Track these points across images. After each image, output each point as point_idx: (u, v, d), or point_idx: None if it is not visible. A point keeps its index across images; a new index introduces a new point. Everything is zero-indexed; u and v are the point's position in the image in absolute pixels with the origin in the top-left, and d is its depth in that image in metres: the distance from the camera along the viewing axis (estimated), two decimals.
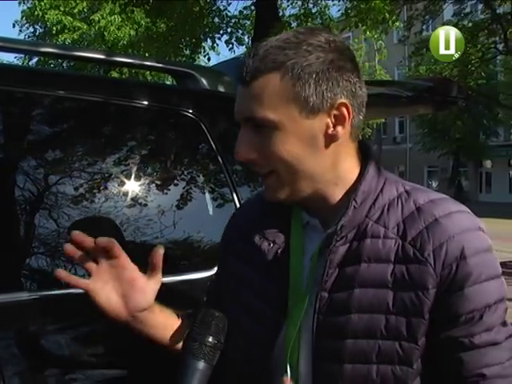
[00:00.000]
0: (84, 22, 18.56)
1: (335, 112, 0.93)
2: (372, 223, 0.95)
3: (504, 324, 0.94)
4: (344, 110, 0.93)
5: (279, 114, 0.91)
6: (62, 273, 1.04)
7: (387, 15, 8.87)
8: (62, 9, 17.80)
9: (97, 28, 17.55)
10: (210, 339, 0.98)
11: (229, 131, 1.94)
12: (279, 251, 1.02)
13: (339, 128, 0.94)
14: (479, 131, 27.71)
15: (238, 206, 1.74)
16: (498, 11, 13.38)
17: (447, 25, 14.55)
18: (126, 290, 1.05)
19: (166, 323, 1.11)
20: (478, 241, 0.94)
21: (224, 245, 1.19)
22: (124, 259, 1.05)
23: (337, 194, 0.99)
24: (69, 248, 1.02)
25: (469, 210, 0.99)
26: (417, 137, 29.00)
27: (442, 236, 0.91)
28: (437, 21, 15.81)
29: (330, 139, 0.94)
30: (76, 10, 17.72)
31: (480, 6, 14.70)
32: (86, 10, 17.82)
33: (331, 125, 0.93)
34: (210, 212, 1.80)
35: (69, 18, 17.99)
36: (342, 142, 0.96)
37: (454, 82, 3.10)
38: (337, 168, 0.98)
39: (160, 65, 2.11)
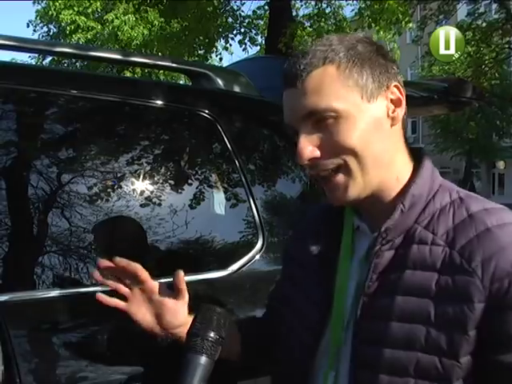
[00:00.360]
0: (98, 22, 18.65)
1: (391, 96, 0.95)
2: (421, 229, 0.93)
3: None
4: (397, 91, 0.95)
5: (343, 102, 0.91)
6: (101, 297, 1.11)
7: (400, 16, 8.86)
8: (75, 9, 17.90)
9: (110, 28, 17.63)
10: (212, 334, 0.99)
11: (244, 131, 1.95)
12: (330, 255, 1.03)
13: (398, 110, 0.95)
14: (492, 132, 27.51)
15: (252, 206, 1.75)
16: None
17: (461, 25, 14.51)
18: (157, 311, 1.13)
19: None
20: None
21: (284, 251, 1.25)
22: (152, 284, 1.13)
23: (394, 192, 0.97)
24: (96, 276, 1.11)
25: None
26: (429, 137, 28.86)
27: (493, 247, 0.86)
28: (450, 21, 15.71)
29: (393, 122, 0.95)
30: (90, 10, 17.81)
31: (494, 6, 14.62)
32: (99, 9, 17.91)
33: (391, 107, 0.95)
34: (224, 212, 1.81)
35: (83, 17, 18.08)
36: (399, 127, 0.97)
37: (469, 83, 3.08)
38: (398, 157, 0.98)
39: (175, 64, 2.11)
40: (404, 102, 0.96)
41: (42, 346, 1.34)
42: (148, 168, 1.64)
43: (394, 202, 0.96)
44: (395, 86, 0.95)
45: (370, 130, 0.93)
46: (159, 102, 1.74)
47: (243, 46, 11.04)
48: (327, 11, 10.22)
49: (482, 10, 14.57)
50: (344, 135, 0.91)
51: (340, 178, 0.94)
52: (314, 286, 1.04)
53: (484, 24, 14.24)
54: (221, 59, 11.78)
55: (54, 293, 1.39)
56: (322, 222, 1.09)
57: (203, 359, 0.98)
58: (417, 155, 1.01)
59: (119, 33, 16.88)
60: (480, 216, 0.91)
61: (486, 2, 15.05)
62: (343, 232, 1.04)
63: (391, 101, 0.95)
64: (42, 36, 20.04)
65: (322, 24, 9.75)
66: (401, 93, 0.96)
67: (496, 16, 14.51)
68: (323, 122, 0.92)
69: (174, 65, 2.10)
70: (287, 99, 0.96)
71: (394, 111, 0.95)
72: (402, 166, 0.98)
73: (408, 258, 0.92)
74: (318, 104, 0.91)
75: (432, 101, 2.56)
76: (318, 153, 0.93)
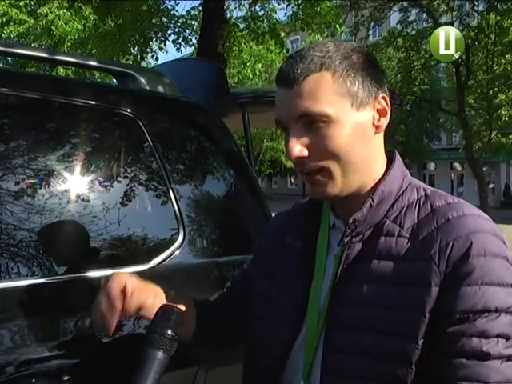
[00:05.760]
0: (31, 16, 18.06)
1: (378, 106, 1.01)
2: (389, 222, 1.00)
3: (508, 338, 0.88)
4: (384, 102, 1.02)
5: (335, 108, 0.97)
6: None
7: (333, 19, 9.07)
8: (7, 1, 17.27)
9: (44, 22, 17.10)
10: (169, 331, 1.07)
11: (167, 131, 2.00)
12: (308, 253, 1.09)
13: (383, 119, 1.02)
14: (423, 135, 28.52)
15: (174, 203, 1.80)
16: (439, 21, 13.92)
17: (392, 32, 15.01)
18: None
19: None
20: (488, 243, 0.93)
21: (257, 244, 1.29)
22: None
23: (368, 191, 1.03)
24: None
25: (488, 217, 0.99)
26: None
27: (451, 235, 0.93)
28: (383, 27, 16.21)
29: (377, 130, 1.02)
30: (22, 3, 17.22)
31: (423, 15, 15.21)
32: (33, 3, 17.34)
33: (376, 117, 1.01)
34: (148, 209, 1.85)
35: (15, 10, 17.45)
36: (382, 135, 1.04)
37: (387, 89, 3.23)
38: (378, 162, 1.04)
39: (101, 64, 2.13)
40: (389, 112, 1.02)
41: None
42: (69, 166, 1.66)
43: (367, 199, 1.02)
44: (382, 97, 1.01)
45: (355, 136, 0.98)
46: (82, 101, 1.76)
47: (177, 45, 10.93)
48: (260, 14, 10.25)
49: (412, 18, 15.13)
50: (331, 139, 0.97)
51: (321, 177, 1.00)
52: (293, 284, 1.09)
53: (414, 32, 14.80)
54: (157, 59, 11.61)
55: None
56: (302, 220, 1.15)
57: (160, 354, 1.05)
58: (390, 156, 1.09)
59: (53, 27, 16.40)
60: (442, 210, 0.98)
61: (416, 11, 15.64)
62: (320, 230, 1.10)
63: (377, 110, 1.01)
64: None
65: (254, 26, 9.76)
66: (387, 103, 1.02)
67: (425, 24, 15.10)
68: (314, 124, 0.98)
69: (99, 65, 2.12)
70: (282, 98, 1.01)
71: (379, 120, 1.01)
72: (379, 169, 1.05)
73: (376, 249, 0.98)
74: (312, 107, 0.97)
75: None
76: (305, 153, 0.99)
